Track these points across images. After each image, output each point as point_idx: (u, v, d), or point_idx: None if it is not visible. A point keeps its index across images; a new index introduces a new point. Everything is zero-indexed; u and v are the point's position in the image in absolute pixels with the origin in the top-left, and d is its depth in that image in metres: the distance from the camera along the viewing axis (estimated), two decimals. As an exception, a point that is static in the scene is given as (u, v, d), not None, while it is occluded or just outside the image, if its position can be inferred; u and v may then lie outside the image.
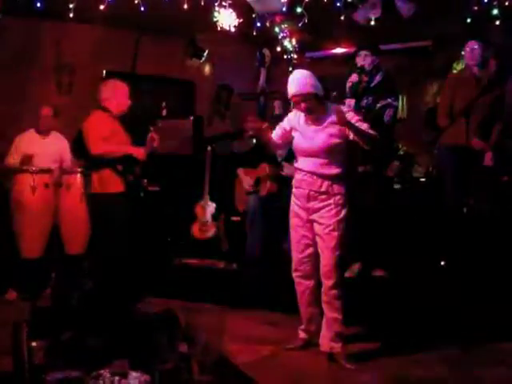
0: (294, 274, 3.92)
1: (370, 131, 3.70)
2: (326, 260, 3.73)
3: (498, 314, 4.24)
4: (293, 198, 3.90)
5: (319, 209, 3.74)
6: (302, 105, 3.70)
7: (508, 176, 5.29)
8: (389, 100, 4.72)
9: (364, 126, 3.70)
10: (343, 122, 3.57)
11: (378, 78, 4.82)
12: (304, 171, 3.80)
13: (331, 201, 3.71)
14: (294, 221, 3.91)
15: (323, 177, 3.72)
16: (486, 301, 4.33)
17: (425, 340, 4.11)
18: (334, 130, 3.69)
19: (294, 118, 3.89)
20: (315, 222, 3.77)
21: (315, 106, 3.71)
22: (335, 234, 3.69)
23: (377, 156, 4.78)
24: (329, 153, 3.71)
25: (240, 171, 5.88)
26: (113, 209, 4.69)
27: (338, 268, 3.72)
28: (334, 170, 3.72)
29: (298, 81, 3.69)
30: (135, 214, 4.82)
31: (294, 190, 3.90)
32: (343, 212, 3.72)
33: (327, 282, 3.74)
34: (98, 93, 4.86)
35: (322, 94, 3.73)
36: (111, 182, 4.73)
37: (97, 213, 4.85)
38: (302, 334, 3.99)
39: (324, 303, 3.78)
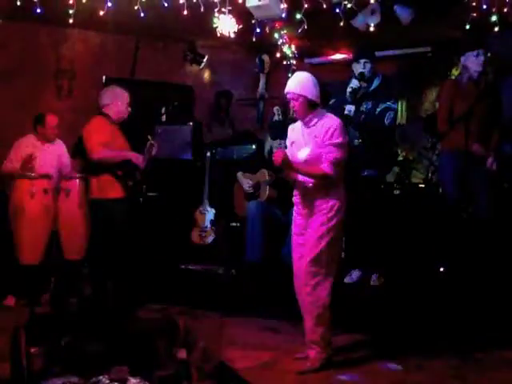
0: (295, 282, 3.89)
1: (323, 168, 3.65)
2: (304, 265, 3.72)
3: (498, 320, 4.23)
4: (294, 206, 3.90)
5: (313, 214, 3.74)
6: (291, 103, 3.75)
7: (508, 182, 5.29)
8: (388, 103, 4.74)
9: (330, 156, 3.65)
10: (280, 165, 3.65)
11: (375, 82, 4.85)
12: (299, 179, 3.81)
13: (325, 206, 3.70)
14: (293, 228, 3.91)
15: (317, 183, 3.72)
16: (486, 307, 4.33)
17: (425, 346, 4.10)
18: (320, 140, 3.70)
19: (292, 133, 3.91)
20: (308, 226, 3.78)
21: (303, 109, 3.73)
22: (321, 240, 3.68)
23: (377, 161, 4.81)
24: (319, 161, 3.70)
25: (239, 175, 5.89)
26: (112, 214, 4.69)
27: (318, 275, 3.68)
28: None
29: (294, 80, 3.76)
30: (134, 220, 4.81)
31: (293, 197, 3.90)
32: (335, 219, 3.69)
33: (304, 289, 3.73)
34: (98, 99, 4.88)
35: (315, 100, 3.73)
36: (110, 188, 4.73)
37: (96, 218, 4.85)
38: None
39: (303, 310, 3.79)
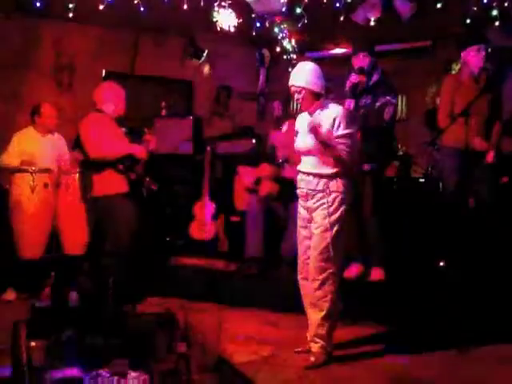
0: (298, 277, 3.88)
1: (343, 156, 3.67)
2: (311, 260, 3.72)
3: (497, 315, 4.24)
4: (298, 199, 3.91)
5: (316, 208, 3.73)
6: (295, 96, 3.75)
7: (508, 177, 5.29)
8: (387, 98, 4.73)
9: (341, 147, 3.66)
10: (316, 136, 3.62)
11: (375, 77, 4.83)
12: (301, 171, 3.82)
13: (327, 199, 3.69)
14: (298, 222, 3.90)
15: (318, 176, 3.72)
16: (485, 302, 4.33)
17: (424, 341, 4.10)
18: (326, 129, 3.70)
19: (299, 123, 3.92)
20: (312, 220, 3.78)
21: (307, 101, 3.73)
22: (326, 234, 3.66)
23: (376, 156, 4.81)
24: (322, 152, 3.71)
25: (240, 168, 5.89)
26: (117, 211, 4.69)
27: (325, 269, 3.68)
28: (329, 170, 3.69)
29: (297, 73, 3.75)
30: (137, 214, 4.82)
31: (297, 190, 3.90)
32: (338, 212, 3.68)
33: (312, 284, 3.73)
34: (94, 95, 4.87)
35: (319, 91, 3.72)
36: (113, 183, 4.73)
37: (100, 216, 4.85)
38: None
39: (309, 304, 3.78)
